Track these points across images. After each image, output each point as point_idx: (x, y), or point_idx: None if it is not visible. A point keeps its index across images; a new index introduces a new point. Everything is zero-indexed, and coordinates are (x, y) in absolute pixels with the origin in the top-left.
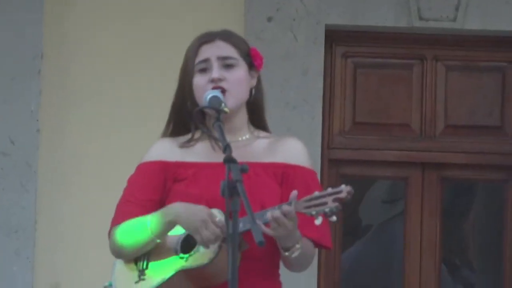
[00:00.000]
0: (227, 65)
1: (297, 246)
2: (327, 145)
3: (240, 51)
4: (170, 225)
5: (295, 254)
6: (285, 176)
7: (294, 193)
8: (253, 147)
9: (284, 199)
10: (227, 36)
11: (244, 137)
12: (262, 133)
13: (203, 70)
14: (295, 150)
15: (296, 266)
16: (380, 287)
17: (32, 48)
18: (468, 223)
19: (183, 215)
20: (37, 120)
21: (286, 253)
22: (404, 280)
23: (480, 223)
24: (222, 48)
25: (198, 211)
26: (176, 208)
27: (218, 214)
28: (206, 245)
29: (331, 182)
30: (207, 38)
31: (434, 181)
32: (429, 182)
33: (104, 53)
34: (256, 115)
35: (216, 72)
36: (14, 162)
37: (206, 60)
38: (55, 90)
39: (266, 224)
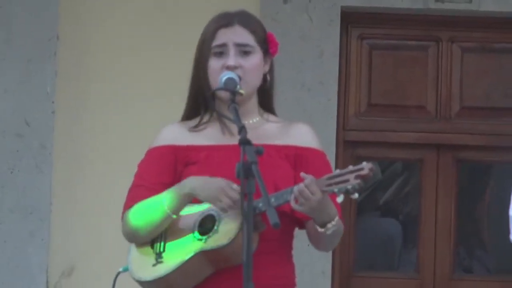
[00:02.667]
0: (244, 52)
1: (333, 222)
2: (342, 126)
3: (257, 38)
4: (186, 198)
5: (330, 231)
6: (298, 159)
7: (302, 174)
8: (264, 129)
9: (298, 181)
10: (245, 20)
11: (254, 120)
12: (272, 117)
13: (219, 54)
14: (306, 134)
15: (327, 244)
16: (395, 267)
17: (48, 30)
18: (483, 205)
19: (200, 185)
20: (53, 102)
21: (322, 229)
22: (419, 261)
23: (495, 205)
24: (240, 35)
25: (214, 180)
26: (191, 180)
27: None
28: (226, 211)
29: (346, 163)
30: (225, 21)
31: (449, 163)
32: (445, 163)
33: (120, 34)
34: (266, 99)
35: (232, 59)
36: (30, 144)
37: (223, 45)
38: (71, 72)
39: (285, 204)
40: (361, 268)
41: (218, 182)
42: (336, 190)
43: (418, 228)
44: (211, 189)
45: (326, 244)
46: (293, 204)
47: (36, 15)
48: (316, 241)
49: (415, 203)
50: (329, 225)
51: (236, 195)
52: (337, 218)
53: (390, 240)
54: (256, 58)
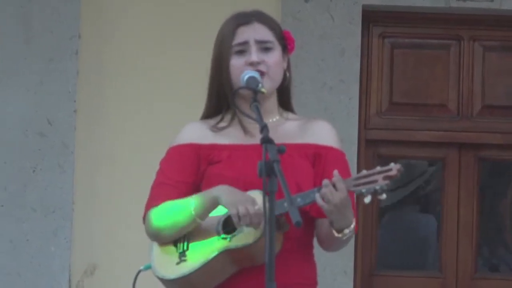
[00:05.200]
0: (265, 48)
1: (350, 228)
2: (364, 125)
3: (276, 34)
4: (213, 201)
5: (346, 237)
6: (317, 157)
7: (336, 171)
8: (284, 128)
9: (317, 180)
10: (263, 18)
11: (274, 119)
12: (291, 115)
13: (241, 52)
14: (325, 132)
15: (338, 247)
16: (417, 267)
17: (69, 29)
18: (505, 203)
19: (227, 191)
20: (74, 101)
21: (339, 235)
22: (441, 261)
23: None
24: (260, 31)
25: (243, 193)
26: (222, 186)
27: (259, 194)
28: (239, 220)
29: (368, 162)
30: (244, 20)
31: (471, 162)
32: (466, 162)
33: (141, 33)
34: (285, 97)
35: (255, 55)
36: (52, 143)
37: (245, 43)
38: (92, 70)
39: (311, 203)
40: (383, 267)
41: (244, 196)
42: (364, 190)
43: (440, 226)
44: (234, 197)
45: (336, 247)
46: (319, 201)
47: (57, 14)
48: (327, 243)
49: (437, 201)
50: (346, 231)
51: (252, 210)
52: (353, 224)
53: (414, 238)
54: (277, 54)
